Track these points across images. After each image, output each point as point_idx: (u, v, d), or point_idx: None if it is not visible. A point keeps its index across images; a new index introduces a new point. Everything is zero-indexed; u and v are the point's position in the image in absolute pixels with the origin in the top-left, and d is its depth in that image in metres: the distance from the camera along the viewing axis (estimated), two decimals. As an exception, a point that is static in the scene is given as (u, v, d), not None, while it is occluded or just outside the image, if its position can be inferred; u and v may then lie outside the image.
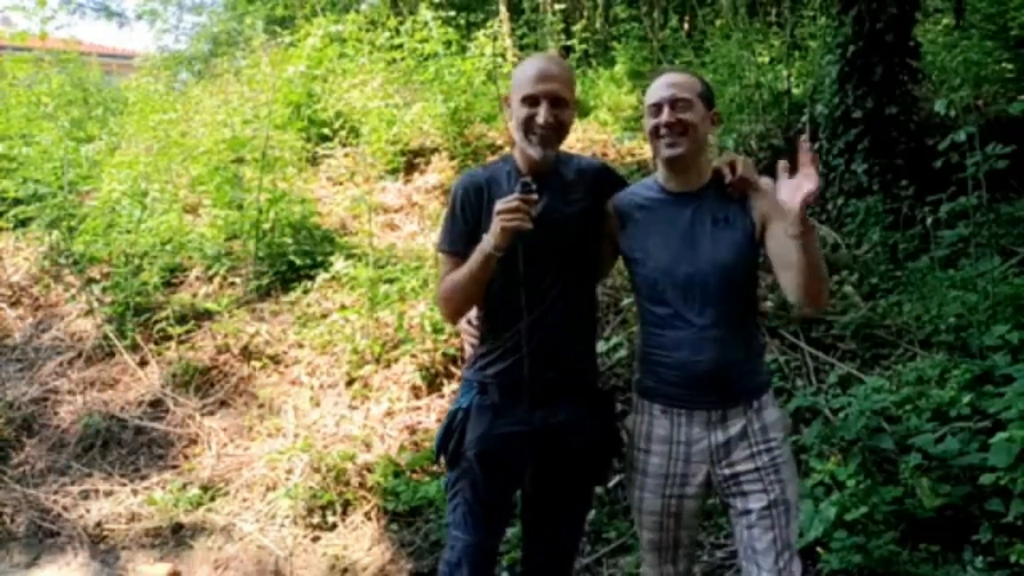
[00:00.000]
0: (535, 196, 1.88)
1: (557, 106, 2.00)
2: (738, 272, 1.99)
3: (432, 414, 4.42)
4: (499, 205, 1.89)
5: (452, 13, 8.22)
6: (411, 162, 7.46)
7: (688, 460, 2.02)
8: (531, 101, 1.99)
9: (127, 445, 4.61)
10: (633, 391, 2.16)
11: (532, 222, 1.87)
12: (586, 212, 2.10)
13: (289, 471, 4.07)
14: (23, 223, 6.65)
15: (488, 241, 1.91)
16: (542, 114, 1.98)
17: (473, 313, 2.18)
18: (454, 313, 2.14)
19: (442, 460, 2.16)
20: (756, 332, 2.10)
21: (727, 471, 2.00)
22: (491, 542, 2.17)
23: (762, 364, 2.11)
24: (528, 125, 2.00)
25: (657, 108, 1.99)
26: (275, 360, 5.02)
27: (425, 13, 7.94)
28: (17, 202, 6.42)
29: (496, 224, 1.88)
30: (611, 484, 2.27)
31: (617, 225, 2.11)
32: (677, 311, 1.99)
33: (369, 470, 3.97)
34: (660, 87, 2.01)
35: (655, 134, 2.00)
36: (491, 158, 6.97)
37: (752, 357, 2.04)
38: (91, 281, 5.80)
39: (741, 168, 2.01)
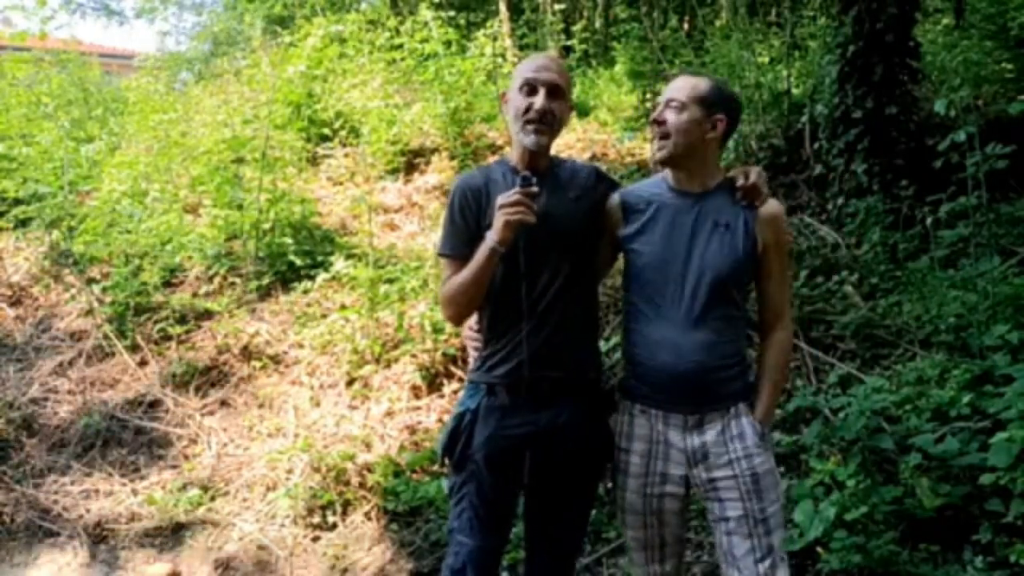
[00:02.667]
0: (536, 189, 1.90)
1: (554, 96, 2.03)
2: (729, 278, 1.99)
3: (432, 414, 4.42)
4: (500, 200, 1.91)
5: (452, 13, 8.23)
6: (411, 162, 7.46)
7: (667, 459, 2.03)
8: (529, 89, 2.03)
9: (127, 445, 4.61)
10: (616, 390, 2.18)
11: (533, 216, 1.89)
12: (583, 209, 2.12)
13: (289, 471, 4.07)
14: (23, 223, 6.65)
15: (491, 237, 1.93)
16: (539, 101, 2.01)
17: (474, 318, 2.18)
18: (458, 314, 2.14)
19: (446, 463, 2.15)
20: (740, 340, 2.08)
21: (705, 475, 2.00)
22: (496, 545, 2.16)
23: (744, 371, 2.08)
24: (525, 113, 2.03)
25: (655, 106, 2.06)
26: (275, 360, 5.03)
27: (425, 13, 7.95)
28: (17, 202, 6.42)
29: (499, 219, 1.90)
30: (611, 484, 2.27)
31: (620, 216, 2.12)
32: (662, 308, 2.00)
33: (369, 470, 3.97)
34: (669, 87, 2.06)
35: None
36: (491, 158, 6.98)
37: (734, 364, 2.03)
38: (91, 281, 5.81)
39: (754, 176, 2.03)
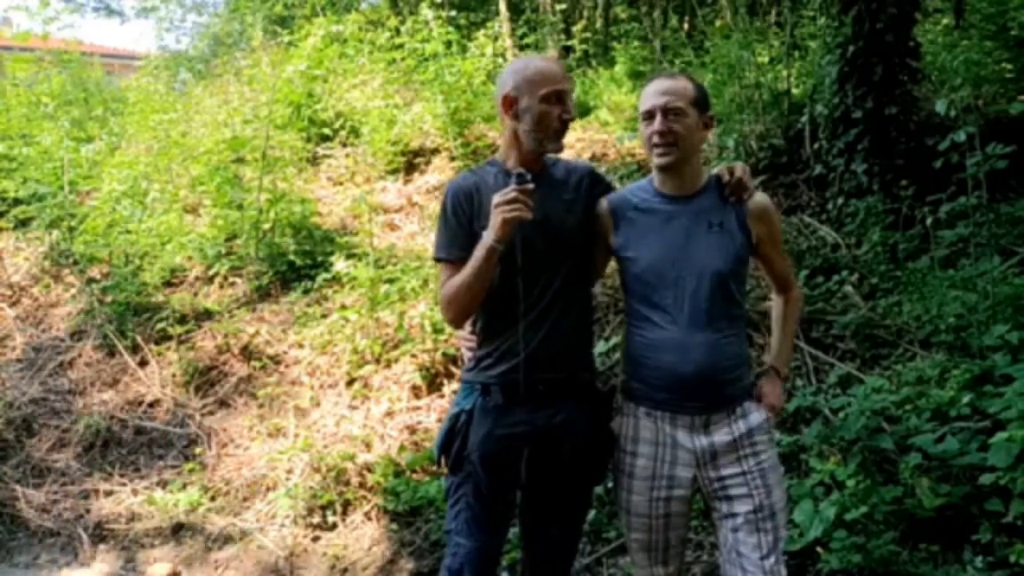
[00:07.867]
0: (531, 186, 1.90)
1: (568, 103, 2.07)
2: (728, 278, 2.00)
3: (432, 414, 4.42)
4: (496, 198, 1.91)
5: (453, 13, 8.22)
6: (411, 162, 7.45)
7: (675, 462, 2.02)
8: (554, 98, 2.03)
9: (127, 445, 4.61)
10: (619, 393, 2.17)
11: (530, 212, 1.90)
12: (579, 210, 2.13)
13: (289, 471, 4.07)
14: (23, 223, 6.65)
15: (489, 236, 1.93)
16: (565, 113, 2.04)
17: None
18: (460, 315, 2.12)
19: (443, 463, 2.15)
20: (743, 338, 2.10)
21: (713, 474, 2.00)
22: (494, 545, 2.16)
23: (748, 370, 2.10)
24: (547, 121, 2.04)
25: (650, 116, 2.01)
26: (275, 360, 5.03)
27: (426, 13, 7.93)
28: (17, 202, 6.44)
29: (496, 217, 1.90)
30: (611, 484, 2.27)
31: (610, 224, 2.12)
32: (665, 312, 2.00)
33: (369, 470, 3.98)
34: (653, 94, 2.02)
35: (648, 141, 2.02)
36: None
37: (738, 364, 2.04)
38: (91, 281, 5.81)
39: (739, 171, 2.05)
